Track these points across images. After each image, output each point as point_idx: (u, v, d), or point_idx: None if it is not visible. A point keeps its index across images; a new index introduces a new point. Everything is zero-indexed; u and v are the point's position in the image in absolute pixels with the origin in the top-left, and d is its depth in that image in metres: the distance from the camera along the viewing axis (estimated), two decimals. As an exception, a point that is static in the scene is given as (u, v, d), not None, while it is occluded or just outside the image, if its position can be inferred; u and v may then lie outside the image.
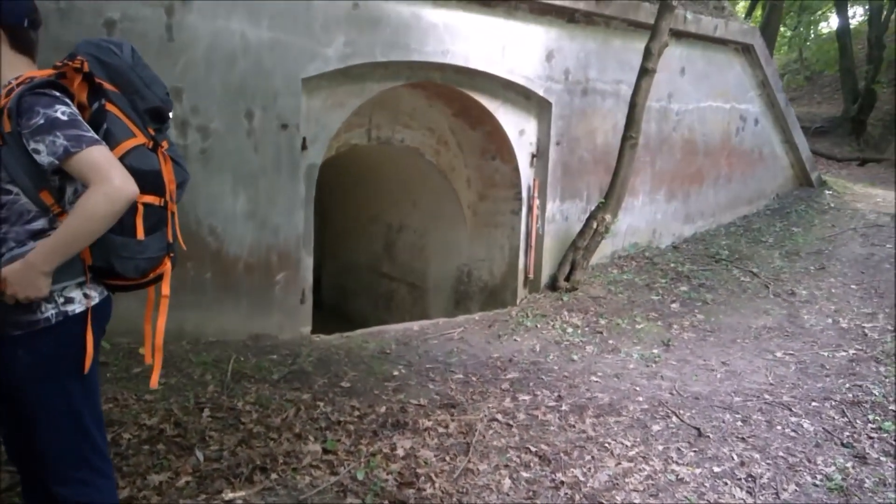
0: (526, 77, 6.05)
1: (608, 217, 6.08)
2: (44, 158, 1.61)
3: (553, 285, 6.31)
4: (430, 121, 6.65)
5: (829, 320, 5.31)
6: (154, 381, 1.89)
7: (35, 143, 1.60)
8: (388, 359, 4.64)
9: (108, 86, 1.75)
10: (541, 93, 6.18)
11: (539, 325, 5.52)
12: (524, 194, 6.43)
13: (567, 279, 6.20)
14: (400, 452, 3.12)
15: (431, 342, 5.20)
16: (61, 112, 1.61)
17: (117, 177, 1.61)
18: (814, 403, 3.89)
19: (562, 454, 3.26)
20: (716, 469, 3.15)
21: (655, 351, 4.90)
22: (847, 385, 4.13)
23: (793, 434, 3.53)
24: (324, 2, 4.76)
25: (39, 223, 1.68)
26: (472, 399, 3.95)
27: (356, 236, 8.72)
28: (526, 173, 6.43)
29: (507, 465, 3.13)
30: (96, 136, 1.65)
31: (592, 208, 6.63)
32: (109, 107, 1.74)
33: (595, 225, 6.08)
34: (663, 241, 7.53)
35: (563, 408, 3.84)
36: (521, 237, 6.49)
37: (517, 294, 6.52)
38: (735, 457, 3.27)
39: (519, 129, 6.32)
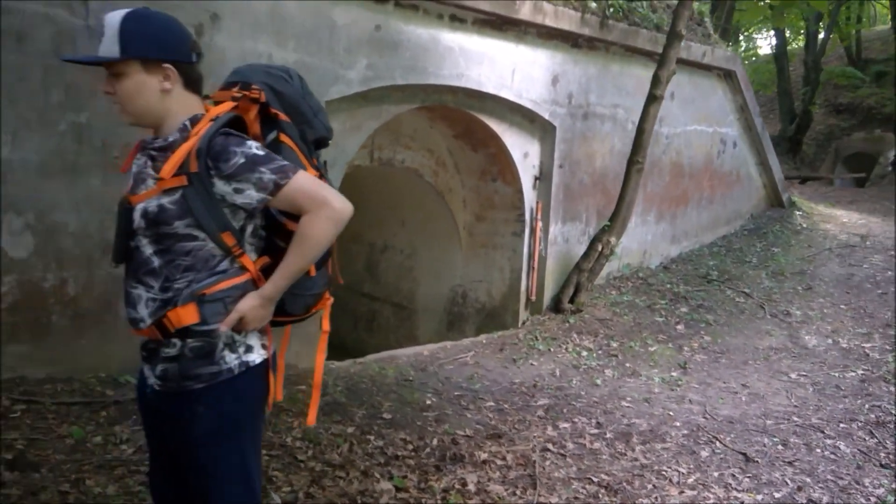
0: (532, 101, 6.12)
1: (613, 240, 6.18)
2: (252, 196, 1.55)
3: (557, 307, 6.35)
4: (429, 142, 6.64)
5: (830, 341, 5.54)
6: (311, 417, 1.82)
7: (238, 184, 1.54)
8: (413, 386, 4.57)
9: (281, 116, 1.68)
10: (546, 116, 6.25)
11: (552, 349, 5.54)
12: (527, 216, 6.46)
13: (571, 301, 6.26)
14: (471, 488, 3.07)
15: (447, 367, 5.15)
16: (255, 147, 1.56)
17: (334, 198, 1.58)
18: (842, 425, 4.04)
19: (624, 484, 3.27)
20: (776, 495, 3.22)
21: (674, 374, 4.99)
22: (866, 406, 4.31)
23: (833, 457, 3.65)
24: (347, 25, 4.69)
25: (223, 266, 1.60)
26: (514, 428, 3.92)
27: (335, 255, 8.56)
28: (529, 195, 6.47)
29: (576, 498, 3.11)
30: (291, 163, 1.60)
31: (591, 230, 6.75)
32: (283, 138, 1.68)
33: (600, 247, 6.17)
34: (653, 262, 7.70)
35: (608, 435, 3.86)
36: (524, 259, 6.51)
37: (518, 316, 6.53)
38: (789, 482, 3.35)
39: (523, 151, 6.37)
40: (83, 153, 3.46)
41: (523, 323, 6.39)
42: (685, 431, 3.93)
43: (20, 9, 3.24)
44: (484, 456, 3.45)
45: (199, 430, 1.60)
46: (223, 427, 1.62)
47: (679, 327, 5.95)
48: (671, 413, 4.23)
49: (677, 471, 3.44)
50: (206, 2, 3.96)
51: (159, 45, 1.56)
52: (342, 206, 1.60)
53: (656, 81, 5.87)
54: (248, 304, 1.59)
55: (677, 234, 8.07)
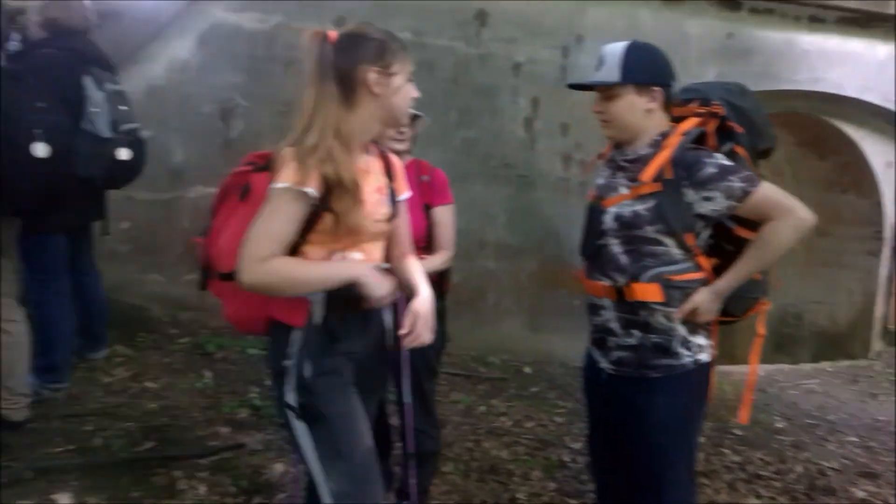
0: (902, 103, 5.37)
1: None
2: (721, 203, 1.65)
3: (925, 341, 5.46)
4: (767, 150, 6.22)
5: None
6: (744, 416, 1.87)
7: (708, 192, 1.65)
8: (758, 406, 4.31)
9: (737, 128, 1.76)
10: (919, 120, 5.44)
11: (924, 388, 4.78)
12: (887, 234, 5.69)
13: (948, 335, 5.32)
14: (854, 525, 2.83)
15: (790, 392, 4.77)
16: (722, 159, 1.67)
17: (800, 207, 1.65)
18: None
19: None
20: None
21: None
22: None
23: None
24: (699, 35, 4.67)
25: (683, 264, 1.72)
26: (890, 470, 3.48)
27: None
28: (891, 210, 5.69)
29: None
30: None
31: (975, 254, 5.66)
32: (737, 149, 1.76)
33: None
34: None
35: None
36: (881, 282, 5.74)
37: (870, 346, 5.77)
38: None
39: (886, 160, 5.63)
40: (470, 164, 4.01)
41: (878, 354, 5.62)
42: None
43: (431, 43, 3.90)
44: (861, 494, 3.12)
45: (656, 418, 1.72)
46: (677, 417, 1.73)
47: None
48: None
49: None
50: (573, 18, 4.27)
51: (652, 71, 1.73)
52: (807, 216, 1.64)
53: None
54: (702, 297, 1.68)
55: None
